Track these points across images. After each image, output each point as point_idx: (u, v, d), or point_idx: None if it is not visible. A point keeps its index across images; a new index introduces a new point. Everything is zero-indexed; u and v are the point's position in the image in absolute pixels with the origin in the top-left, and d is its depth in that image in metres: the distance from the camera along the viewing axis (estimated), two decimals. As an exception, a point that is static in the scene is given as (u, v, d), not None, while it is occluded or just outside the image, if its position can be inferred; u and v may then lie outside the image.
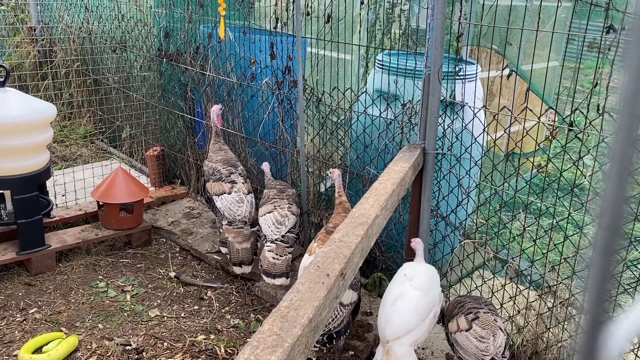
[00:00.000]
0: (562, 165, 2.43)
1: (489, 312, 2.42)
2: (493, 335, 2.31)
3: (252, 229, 3.38)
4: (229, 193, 3.38)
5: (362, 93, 3.25)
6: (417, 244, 2.69)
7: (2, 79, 3.20)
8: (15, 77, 5.23)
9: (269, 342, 1.27)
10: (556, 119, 2.79)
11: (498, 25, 2.57)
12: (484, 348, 2.27)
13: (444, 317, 2.62)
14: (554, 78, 4.88)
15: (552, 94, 4.75)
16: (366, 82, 3.40)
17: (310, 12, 3.34)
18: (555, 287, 2.65)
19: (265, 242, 3.14)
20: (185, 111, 4.37)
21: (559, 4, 2.40)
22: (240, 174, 3.50)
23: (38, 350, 2.76)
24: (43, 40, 5.53)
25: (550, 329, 2.67)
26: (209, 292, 3.41)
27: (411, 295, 2.40)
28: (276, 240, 3.12)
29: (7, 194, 3.44)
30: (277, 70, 3.57)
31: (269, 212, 3.21)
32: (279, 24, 3.52)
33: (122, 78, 5.06)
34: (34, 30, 5.55)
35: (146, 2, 4.63)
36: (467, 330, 2.34)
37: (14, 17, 5.89)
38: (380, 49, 3.35)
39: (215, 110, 3.61)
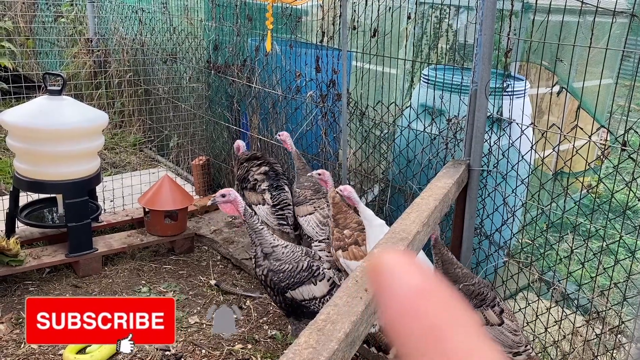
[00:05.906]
0: (613, 186, 2.34)
1: (499, 297, 2.54)
2: (519, 325, 2.48)
3: (296, 232, 3.43)
4: (263, 204, 3.45)
5: (407, 107, 3.23)
6: (351, 192, 2.80)
7: (59, 88, 3.34)
8: (71, 86, 5.45)
9: (304, 354, 1.26)
10: (608, 138, 2.69)
11: (549, 42, 2.51)
12: (518, 340, 2.44)
13: None
14: (606, 96, 4.71)
15: (605, 112, 4.59)
16: (411, 96, 3.37)
17: (356, 27, 3.35)
18: (604, 312, 2.54)
19: (313, 243, 3.19)
20: (231, 122, 4.45)
21: (614, 19, 2.33)
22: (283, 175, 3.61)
23: (82, 351, 2.84)
24: (99, 51, 5.76)
25: (598, 357, 2.56)
26: (248, 301, 3.43)
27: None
28: (323, 240, 3.18)
29: (59, 197, 3.57)
30: (322, 84, 3.59)
31: (310, 214, 3.27)
32: (325, 37, 3.55)
33: (171, 89, 5.20)
34: (91, 41, 5.78)
35: (197, 15, 4.76)
36: (499, 325, 2.43)
37: (73, 29, 6.17)
38: (426, 64, 3.33)
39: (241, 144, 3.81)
